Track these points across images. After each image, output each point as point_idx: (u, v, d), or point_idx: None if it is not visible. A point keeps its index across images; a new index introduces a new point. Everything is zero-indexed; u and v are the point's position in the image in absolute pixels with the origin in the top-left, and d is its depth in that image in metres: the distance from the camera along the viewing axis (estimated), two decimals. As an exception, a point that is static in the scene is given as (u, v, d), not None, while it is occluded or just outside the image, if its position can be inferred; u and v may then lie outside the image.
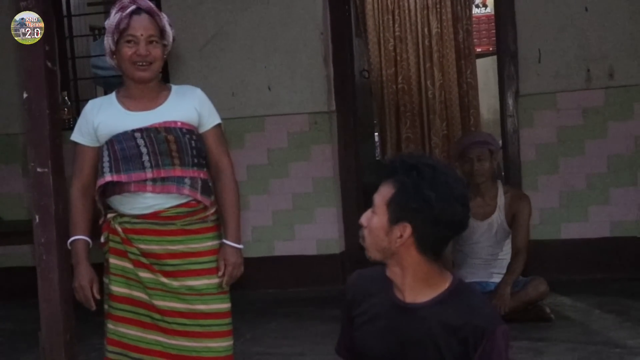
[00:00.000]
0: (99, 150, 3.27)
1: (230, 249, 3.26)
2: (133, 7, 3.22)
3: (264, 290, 6.32)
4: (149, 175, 3.16)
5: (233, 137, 6.04)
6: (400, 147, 9.08)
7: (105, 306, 3.32)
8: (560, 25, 6.18)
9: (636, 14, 6.08)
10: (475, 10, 10.04)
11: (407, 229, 2.36)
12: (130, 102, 3.27)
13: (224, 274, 3.24)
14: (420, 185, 2.33)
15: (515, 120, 6.26)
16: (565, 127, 6.20)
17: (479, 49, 9.78)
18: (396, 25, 9.10)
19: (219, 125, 3.34)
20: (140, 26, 3.20)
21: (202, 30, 6.50)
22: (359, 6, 8.86)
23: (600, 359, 4.26)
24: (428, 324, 2.38)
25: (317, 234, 6.46)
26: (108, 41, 3.26)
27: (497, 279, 5.13)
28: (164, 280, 3.21)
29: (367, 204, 2.51)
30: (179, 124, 3.23)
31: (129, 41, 3.20)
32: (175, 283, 3.21)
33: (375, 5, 9.09)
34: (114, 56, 3.27)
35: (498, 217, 5.19)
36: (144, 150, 3.17)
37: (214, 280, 3.24)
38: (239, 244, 3.29)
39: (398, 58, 9.12)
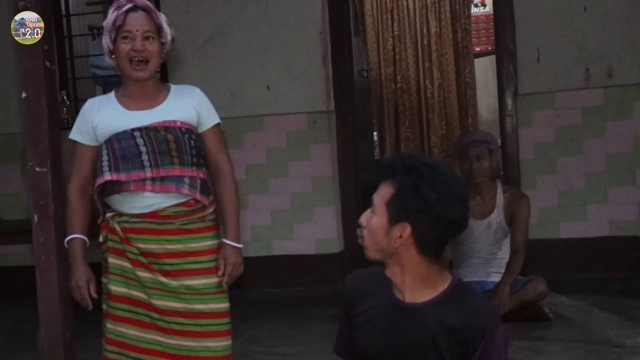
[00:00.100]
0: (97, 150, 3.27)
1: (230, 249, 3.26)
2: (129, 5, 3.23)
3: (262, 289, 6.32)
4: (148, 174, 3.16)
5: (232, 136, 6.04)
6: (399, 147, 9.08)
7: (104, 306, 3.32)
8: (559, 25, 6.18)
9: (635, 13, 6.08)
10: (474, 10, 10.04)
11: (406, 229, 2.36)
12: (129, 101, 3.28)
13: (224, 274, 3.24)
14: (420, 185, 2.33)
15: (514, 119, 6.26)
16: (564, 127, 6.20)
17: (477, 49, 9.79)
18: (395, 25, 9.10)
19: (218, 124, 3.34)
20: (136, 22, 3.21)
21: (201, 30, 6.50)
22: (358, 6, 8.86)
23: (599, 358, 4.26)
24: (427, 324, 2.38)
25: (316, 233, 6.46)
26: (106, 40, 3.27)
27: (495, 278, 5.14)
28: (163, 279, 3.21)
29: (366, 203, 2.51)
30: (178, 123, 3.23)
31: (125, 37, 3.21)
32: (174, 282, 3.21)
33: (374, 5, 9.10)
34: (113, 55, 3.28)
35: (497, 216, 5.19)
36: (143, 149, 3.17)
37: (213, 280, 3.24)
38: (238, 243, 3.29)
39: (397, 57, 9.12)
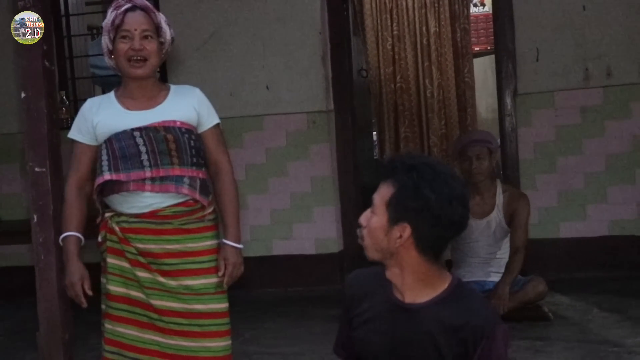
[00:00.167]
0: (96, 149, 3.27)
1: (230, 249, 3.26)
2: (128, 5, 3.24)
3: (262, 289, 6.32)
4: (148, 174, 3.16)
5: (231, 136, 6.04)
6: (399, 146, 9.09)
7: (103, 306, 3.32)
8: (558, 24, 6.19)
9: (634, 12, 6.09)
10: (473, 9, 10.04)
11: (406, 230, 2.35)
12: (129, 101, 3.28)
13: (224, 274, 3.24)
14: (420, 185, 2.33)
15: (513, 119, 6.26)
16: (563, 126, 6.20)
17: (477, 48, 9.79)
18: (394, 25, 9.10)
19: (217, 125, 3.34)
20: (134, 21, 3.21)
21: (200, 30, 6.50)
22: (357, 5, 8.86)
23: (598, 358, 4.26)
24: (427, 324, 2.37)
25: (315, 233, 6.46)
26: (105, 40, 3.27)
27: (495, 278, 5.14)
28: (162, 279, 3.21)
29: (366, 203, 2.50)
30: (178, 123, 3.23)
31: (123, 37, 3.22)
32: (172, 282, 3.21)
33: (373, 5, 9.10)
34: (112, 56, 3.28)
35: (496, 215, 5.19)
36: (142, 149, 3.17)
37: (212, 280, 3.24)
38: (238, 243, 3.29)
39: (396, 57, 9.13)
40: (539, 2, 6.21)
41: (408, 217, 2.34)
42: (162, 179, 3.17)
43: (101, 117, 3.24)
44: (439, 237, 2.39)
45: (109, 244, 3.27)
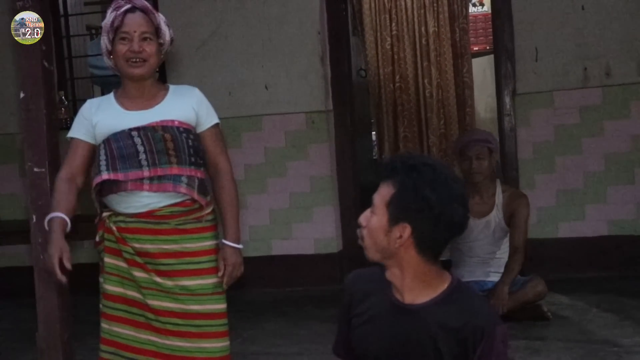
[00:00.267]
0: (92, 147, 3.26)
1: (229, 249, 3.26)
2: (127, 5, 3.24)
3: (261, 289, 6.32)
4: (146, 173, 3.16)
5: (230, 136, 6.04)
6: (398, 146, 9.09)
7: (100, 305, 3.32)
8: (557, 24, 6.18)
9: (633, 12, 6.09)
10: (472, 9, 10.03)
11: (406, 230, 2.35)
12: (128, 101, 3.28)
13: (223, 274, 3.24)
14: (421, 186, 2.32)
15: (512, 119, 6.26)
16: (562, 126, 6.20)
17: (475, 48, 9.78)
18: (393, 24, 9.11)
19: (217, 124, 3.35)
20: (134, 23, 3.21)
21: (199, 29, 6.49)
22: (356, 5, 8.86)
23: (597, 358, 4.26)
24: (427, 324, 2.37)
25: (314, 233, 6.46)
26: (104, 41, 3.27)
27: (494, 278, 5.14)
28: (158, 279, 3.21)
29: (365, 203, 2.50)
30: (176, 122, 3.23)
31: (123, 38, 3.22)
32: (169, 282, 3.21)
33: (372, 4, 9.10)
34: (111, 56, 3.28)
35: (496, 215, 5.19)
36: (140, 148, 3.17)
37: (209, 281, 3.24)
38: (238, 244, 3.29)
39: (395, 57, 9.13)
40: (538, 1, 6.21)
41: (408, 217, 2.34)
42: (160, 178, 3.17)
43: (100, 117, 3.25)
44: (439, 238, 2.39)
45: (106, 243, 3.28)
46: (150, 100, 3.28)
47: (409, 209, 2.34)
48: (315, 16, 6.41)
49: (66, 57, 6.91)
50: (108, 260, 3.27)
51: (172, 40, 3.33)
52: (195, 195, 3.20)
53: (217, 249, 3.29)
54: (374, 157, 9.29)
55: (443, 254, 2.48)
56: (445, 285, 2.43)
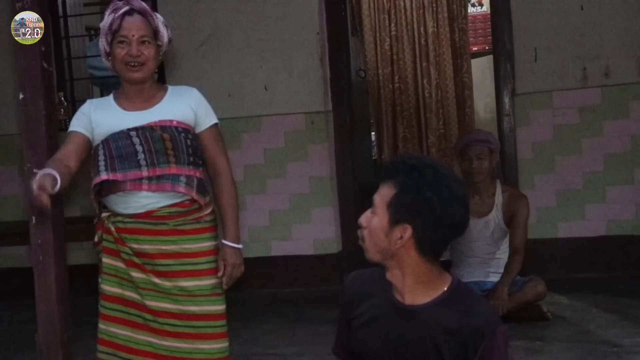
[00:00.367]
0: (88, 140, 3.24)
1: (229, 249, 3.26)
2: (126, 8, 3.23)
3: (260, 290, 6.32)
4: (145, 173, 3.16)
5: (230, 137, 6.02)
6: (397, 146, 9.08)
7: (99, 306, 3.32)
8: (556, 24, 6.18)
9: (632, 12, 6.09)
10: (471, 9, 10.03)
11: (407, 231, 2.35)
12: (126, 102, 3.28)
13: (223, 275, 3.24)
14: (422, 186, 2.32)
15: (512, 119, 6.26)
16: (562, 126, 6.20)
17: (475, 48, 9.78)
18: (392, 25, 9.10)
19: (215, 125, 3.34)
20: (133, 26, 3.21)
21: (198, 30, 6.49)
22: (355, 6, 8.86)
23: (597, 358, 4.26)
24: (428, 325, 2.37)
25: (314, 233, 6.46)
26: (102, 43, 3.28)
27: (494, 278, 5.13)
28: (156, 280, 3.21)
29: (364, 203, 2.50)
30: (174, 122, 3.23)
31: (121, 42, 3.21)
32: (167, 283, 3.21)
33: (371, 5, 9.09)
34: (109, 57, 3.28)
35: (495, 216, 5.19)
36: (139, 148, 3.17)
37: (207, 282, 3.24)
38: (238, 244, 3.29)
39: (394, 57, 9.12)
40: (537, 2, 6.21)
41: (409, 218, 2.34)
42: (159, 177, 3.16)
43: (99, 117, 3.25)
44: (440, 238, 2.39)
45: (105, 244, 3.28)
46: (149, 100, 3.28)
47: (410, 209, 2.33)
48: (315, 17, 6.42)
49: (65, 57, 6.91)
50: (106, 260, 3.27)
51: (170, 40, 3.33)
52: (194, 195, 3.20)
53: (216, 250, 3.29)
54: (374, 158, 9.29)
55: (443, 255, 2.48)
56: (446, 286, 2.43)
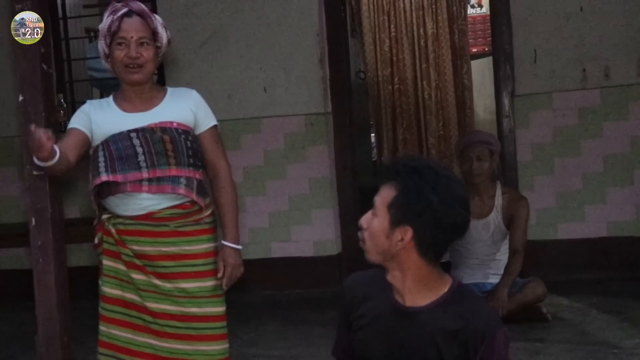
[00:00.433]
0: (86, 137, 3.23)
1: (229, 250, 3.26)
2: (125, 9, 3.23)
3: (260, 292, 6.31)
4: (145, 175, 3.16)
5: (229, 138, 6.03)
6: (397, 148, 9.07)
7: (99, 308, 3.32)
8: (555, 25, 6.18)
9: (631, 13, 6.08)
10: (470, 11, 10.02)
11: (408, 232, 2.35)
12: (126, 104, 3.28)
13: (223, 275, 3.24)
14: (423, 188, 2.32)
15: (511, 120, 6.26)
16: (561, 127, 6.20)
17: (474, 49, 9.77)
18: (392, 26, 9.09)
19: (215, 126, 3.35)
20: (131, 28, 3.21)
21: (197, 32, 6.49)
22: (355, 7, 8.86)
23: None
24: (428, 327, 2.37)
25: (313, 235, 6.45)
26: (101, 45, 3.28)
27: (493, 280, 5.13)
28: (157, 282, 3.21)
29: (364, 204, 2.50)
30: (174, 124, 3.23)
31: (120, 43, 3.22)
32: (168, 285, 3.21)
33: (371, 6, 9.09)
34: (108, 59, 3.28)
35: (495, 217, 5.19)
36: (139, 150, 3.17)
37: (208, 283, 3.24)
38: (237, 245, 3.29)
39: (394, 59, 9.11)
40: (537, 2, 6.21)
41: (410, 219, 2.34)
42: (159, 179, 3.17)
43: (99, 117, 3.25)
44: (441, 240, 2.39)
45: (105, 246, 3.28)
46: (148, 102, 3.28)
47: (410, 211, 2.33)
48: (314, 18, 6.41)
49: (65, 59, 6.91)
50: (107, 262, 3.26)
51: (169, 41, 3.33)
52: (194, 197, 3.20)
53: (216, 252, 3.29)
54: (373, 159, 9.29)
55: (442, 256, 2.48)
56: (446, 288, 2.43)
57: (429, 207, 2.31)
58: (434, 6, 9.02)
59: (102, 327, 3.28)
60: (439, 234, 2.36)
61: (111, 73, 3.35)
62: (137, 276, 3.22)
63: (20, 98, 3.94)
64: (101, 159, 3.20)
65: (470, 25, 9.60)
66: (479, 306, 2.43)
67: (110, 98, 3.35)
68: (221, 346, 3.27)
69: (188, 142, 3.23)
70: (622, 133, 6.12)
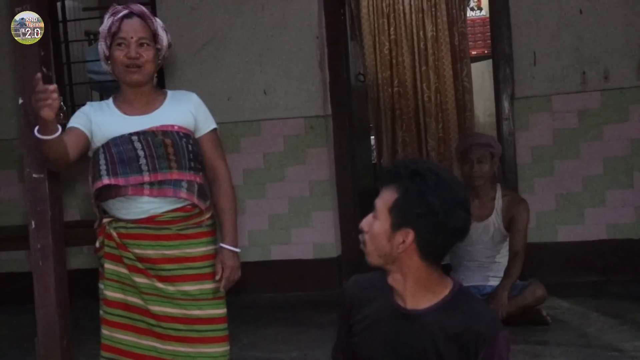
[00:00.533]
0: (85, 136, 3.22)
1: (227, 253, 3.27)
2: (125, 11, 3.24)
3: (260, 294, 6.31)
4: (146, 178, 3.16)
5: (229, 141, 6.04)
6: (397, 150, 9.06)
7: (101, 312, 3.31)
8: (555, 28, 6.19)
9: (631, 16, 6.09)
10: (470, 13, 10.03)
11: (409, 235, 2.35)
12: (126, 106, 3.28)
13: (221, 278, 3.24)
14: (424, 191, 2.32)
15: (511, 123, 6.26)
16: (561, 130, 6.20)
17: (474, 52, 9.77)
18: (391, 29, 9.08)
19: (214, 130, 3.35)
20: (131, 29, 3.21)
21: (197, 35, 6.49)
22: (354, 10, 8.85)
23: (597, 362, 4.27)
24: (430, 330, 2.37)
25: (313, 237, 6.45)
26: (102, 46, 3.28)
27: (493, 282, 5.13)
28: (160, 285, 3.21)
29: (364, 207, 2.50)
30: (175, 127, 3.23)
31: (120, 44, 3.22)
32: (170, 288, 3.21)
33: (370, 9, 9.08)
34: (109, 61, 3.28)
35: (495, 220, 5.19)
36: (141, 153, 3.17)
37: (209, 286, 3.24)
38: (236, 247, 3.29)
39: (393, 61, 9.10)
40: (536, 5, 6.21)
41: (412, 222, 2.34)
42: (161, 183, 3.17)
43: (100, 120, 3.25)
44: (442, 243, 2.39)
45: (106, 249, 3.27)
46: (149, 105, 3.28)
47: (412, 214, 2.33)
48: (314, 21, 6.42)
49: (65, 62, 6.91)
50: (108, 266, 3.26)
51: (170, 45, 3.34)
52: (195, 200, 3.21)
53: (216, 254, 3.29)
54: (373, 162, 9.29)
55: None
56: (447, 291, 2.43)
57: (430, 209, 2.31)
58: (433, 9, 9.01)
59: (105, 331, 3.28)
60: (441, 237, 2.36)
61: (111, 75, 3.35)
62: (139, 279, 3.22)
63: (20, 101, 3.94)
64: (102, 162, 3.20)
65: (469, 28, 9.60)
66: (480, 309, 2.43)
67: (110, 100, 3.34)
68: (223, 348, 3.27)
69: (189, 146, 3.23)
70: (622, 136, 6.12)
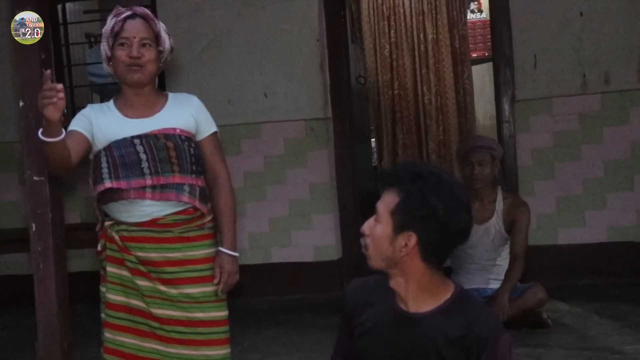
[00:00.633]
0: (85, 139, 3.21)
1: (225, 257, 3.26)
2: (128, 12, 3.24)
3: (260, 297, 6.31)
4: (149, 182, 3.15)
5: (229, 143, 6.04)
6: (397, 153, 9.08)
7: (102, 315, 3.31)
8: (555, 31, 6.19)
9: (631, 18, 6.09)
10: (470, 16, 10.03)
11: (412, 238, 2.34)
12: (128, 109, 3.27)
13: (219, 282, 3.24)
14: (427, 194, 2.32)
15: (512, 125, 6.26)
16: (562, 132, 6.20)
17: (474, 55, 9.77)
18: (392, 31, 9.10)
19: (215, 133, 3.35)
20: (134, 29, 3.22)
21: (197, 37, 6.50)
22: (355, 12, 8.87)
23: (598, 365, 4.27)
24: (431, 333, 2.37)
25: (314, 240, 6.45)
26: (104, 47, 3.28)
27: (494, 285, 5.13)
28: (162, 288, 3.21)
29: (365, 210, 2.50)
30: (177, 130, 3.23)
31: (122, 44, 3.22)
32: (173, 291, 3.21)
33: (371, 12, 9.10)
34: (110, 62, 3.28)
35: (496, 222, 5.19)
36: (143, 156, 3.16)
37: (211, 288, 3.24)
38: (234, 251, 3.29)
39: (394, 64, 9.12)
40: (537, 8, 6.21)
41: (414, 225, 2.33)
42: (163, 186, 3.17)
43: (101, 122, 3.24)
44: (444, 246, 2.39)
45: (108, 252, 3.27)
46: (150, 108, 3.27)
47: (414, 217, 2.33)
48: (314, 23, 6.42)
49: (65, 65, 6.91)
50: (110, 269, 3.26)
51: (172, 48, 3.34)
52: (197, 204, 3.21)
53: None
54: (374, 164, 9.30)
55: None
56: (449, 294, 2.42)
57: (433, 212, 2.31)
58: (434, 11, 9.03)
59: (108, 334, 3.27)
60: (443, 240, 2.36)
61: (112, 78, 3.35)
62: (142, 282, 3.22)
63: (21, 104, 3.95)
64: (104, 165, 3.20)
65: (470, 31, 9.61)
66: (482, 312, 2.43)
67: (111, 103, 3.34)
68: (224, 351, 3.27)
69: (191, 149, 3.23)
70: (622, 138, 6.12)
